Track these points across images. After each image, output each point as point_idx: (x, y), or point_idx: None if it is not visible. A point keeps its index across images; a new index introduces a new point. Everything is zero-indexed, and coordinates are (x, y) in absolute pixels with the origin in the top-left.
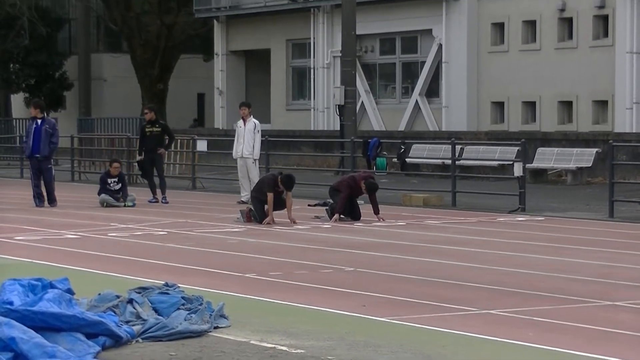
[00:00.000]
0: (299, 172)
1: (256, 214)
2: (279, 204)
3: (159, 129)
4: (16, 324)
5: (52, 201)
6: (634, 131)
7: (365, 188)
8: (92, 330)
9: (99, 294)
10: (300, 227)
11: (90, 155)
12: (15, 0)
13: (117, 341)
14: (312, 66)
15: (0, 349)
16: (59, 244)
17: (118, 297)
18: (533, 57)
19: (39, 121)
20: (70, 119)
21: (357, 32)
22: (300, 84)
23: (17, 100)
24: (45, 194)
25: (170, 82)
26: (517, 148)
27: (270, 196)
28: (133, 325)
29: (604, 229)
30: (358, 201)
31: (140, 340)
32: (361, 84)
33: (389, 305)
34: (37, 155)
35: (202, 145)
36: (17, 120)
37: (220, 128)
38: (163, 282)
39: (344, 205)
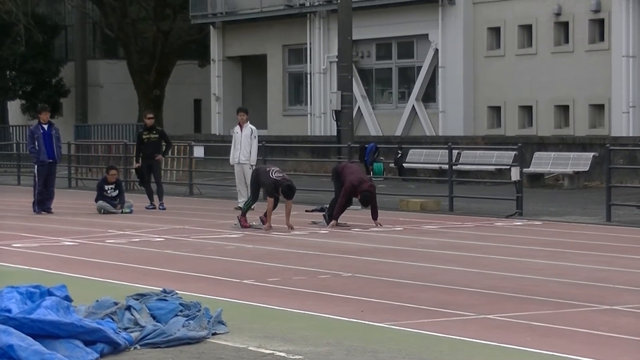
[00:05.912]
0: (296, 177)
1: (252, 197)
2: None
3: (156, 136)
4: (14, 332)
5: (49, 208)
6: (630, 135)
7: (360, 199)
8: (90, 338)
9: (97, 301)
10: (297, 232)
11: (87, 162)
12: (12, 8)
13: (115, 348)
14: (308, 71)
15: None
16: (57, 251)
17: (116, 304)
18: (529, 61)
19: (45, 126)
20: (67, 125)
21: (354, 37)
22: (297, 89)
23: (14, 107)
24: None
25: (166, 88)
26: (514, 152)
27: (270, 201)
28: (131, 332)
29: (602, 233)
30: (354, 206)
31: (139, 347)
32: (358, 89)
33: (387, 310)
34: (51, 160)
35: (199, 152)
36: (14, 127)
37: (217, 134)
38: (161, 289)
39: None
